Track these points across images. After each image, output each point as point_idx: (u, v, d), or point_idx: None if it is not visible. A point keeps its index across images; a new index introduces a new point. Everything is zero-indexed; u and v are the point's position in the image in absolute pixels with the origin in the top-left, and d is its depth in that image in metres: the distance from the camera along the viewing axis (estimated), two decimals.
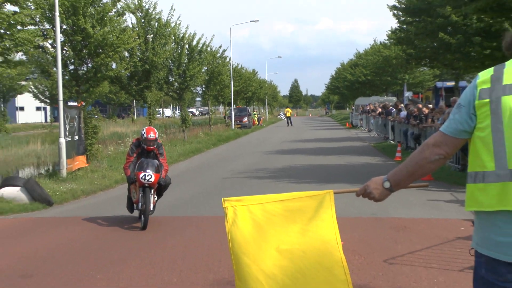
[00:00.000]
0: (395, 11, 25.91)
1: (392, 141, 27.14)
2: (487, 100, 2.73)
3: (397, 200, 11.88)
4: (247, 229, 3.52)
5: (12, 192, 13.19)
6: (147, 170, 9.45)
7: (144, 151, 9.98)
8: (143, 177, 9.36)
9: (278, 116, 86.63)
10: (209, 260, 7.86)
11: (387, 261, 7.51)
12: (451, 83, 34.45)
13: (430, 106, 22.66)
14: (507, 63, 2.84)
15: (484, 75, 2.81)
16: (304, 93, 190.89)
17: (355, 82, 63.16)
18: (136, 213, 10.92)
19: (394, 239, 8.85)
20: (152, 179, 9.51)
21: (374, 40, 57.37)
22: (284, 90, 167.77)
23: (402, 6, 25.13)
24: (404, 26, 26.68)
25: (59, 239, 9.96)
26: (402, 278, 6.78)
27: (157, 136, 10.09)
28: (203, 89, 44.63)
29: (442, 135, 2.98)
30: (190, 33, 34.13)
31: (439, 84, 39.85)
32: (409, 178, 3.18)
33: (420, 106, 22.58)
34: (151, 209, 9.75)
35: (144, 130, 10.04)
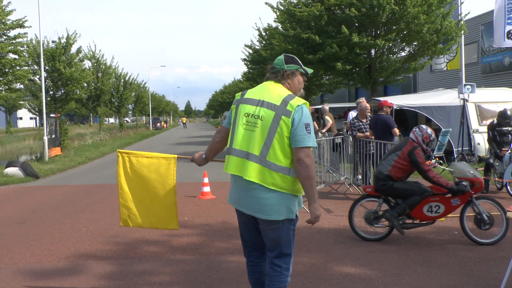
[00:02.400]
0: (245, 62, 30.24)
1: None
2: (235, 105, 3.49)
3: None
4: (127, 171, 4.23)
5: (13, 170, 15.13)
6: None
7: None
8: None
9: (178, 123, 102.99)
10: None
11: None
12: None
13: None
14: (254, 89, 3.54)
15: (240, 92, 3.58)
16: (193, 108, 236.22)
17: (222, 102, 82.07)
18: (92, 180, 13.37)
19: None
20: None
21: (234, 78, 71.23)
22: (181, 106, 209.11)
23: (249, 58, 29.27)
24: (251, 70, 30.62)
25: (43, 198, 10.96)
26: None
27: None
28: (133, 106, 57.23)
29: (222, 126, 3.72)
30: (125, 72, 42.42)
31: None
32: (210, 153, 3.83)
33: None
34: None
35: None
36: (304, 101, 3.38)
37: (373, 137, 9.90)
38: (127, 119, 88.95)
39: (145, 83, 60.07)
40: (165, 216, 4.25)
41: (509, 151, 9.81)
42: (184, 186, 11.45)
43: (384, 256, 5.86)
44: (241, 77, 42.38)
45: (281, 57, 3.57)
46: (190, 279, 5.22)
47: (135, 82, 47.49)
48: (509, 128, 10.03)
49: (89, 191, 11.93)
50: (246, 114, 3.37)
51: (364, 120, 10.38)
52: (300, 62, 3.62)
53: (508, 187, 9.69)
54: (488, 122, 13.93)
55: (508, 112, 10.00)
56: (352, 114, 12.24)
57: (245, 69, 32.16)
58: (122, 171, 4.24)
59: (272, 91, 3.42)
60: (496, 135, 10.06)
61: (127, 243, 6.79)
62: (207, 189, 10.39)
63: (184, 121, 79.65)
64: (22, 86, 25.17)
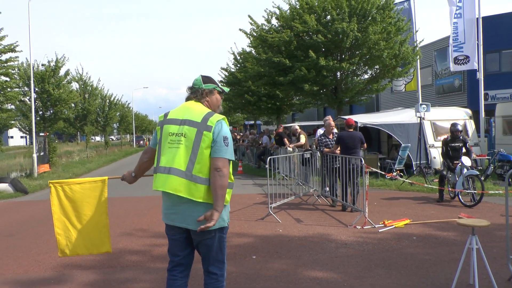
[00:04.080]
0: (222, 83, 28.80)
1: None
2: (159, 127, 3.47)
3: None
4: (61, 200, 4.04)
5: (3, 186, 14.82)
6: None
7: None
8: None
9: None
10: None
11: None
12: (251, 122, 41.00)
13: (241, 133, 27.43)
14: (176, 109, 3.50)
15: (163, 114, 3.53)
16: None
17: None
18: None
19: None
20: None
21: None
22: None
23: (225, 80, 28.96)
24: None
25: (31, 212, 10.89)
26: None
27: None
28: (117, 125, 56.43)
29: (148, 147, 3.68)
30: (110, 93, 42.49)
31: (246, 122, 46.95)
32: (139, 171, 3.78)
33: (235, 134, 27.54)
34: None
35: None
36: (223, 116, 3.41)
37: (338, 151, 9.98)
38: (112, 137, 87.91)
39: (128, 103, 60.36)
40: (98, 239, 4.03)
41: (460, 164, 10.01)
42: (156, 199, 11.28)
43: (349, 260, 5.90)
44: None
45: (199, 77, 3.59)
46: None
47: (120, 103, 47.16)
48: (460, 144, 10.21)
49: None
50: (170, 134, 3.36)
51: (331, 137, 10.47)
52: (217, 82, 3.66)
53: (460, 196, 9.92)
54: (443, 138, 14.24)
55: (458, 126, 10.32)
56: (320, 131, 12.35)
57: None
58: (56, 201, 4.04)
59: (193, 110, 3.42)
60: (449, 150, 10.27)
61: (110, 253, 6.64)
62: None
63: None
64: (13, 106, 24.79)
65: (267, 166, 8.78)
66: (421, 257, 5.97)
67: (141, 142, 64.81)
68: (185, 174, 3.25)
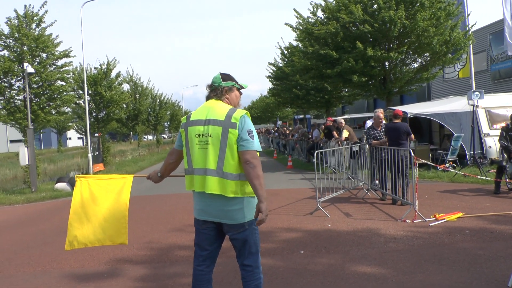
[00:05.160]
0: (270, 78, 29.99)
1: (272, 148, 32.14)
2: (183, 129, 3.51)
3: (274, 179, 14.57)
4: (83, 193, 4.09)
5: (62, 185, 15.84)
6: None
7: None
8: None
9: None
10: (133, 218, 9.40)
11: None
12: (301, 116, 40.56)
13: (290, 128, 27.88)
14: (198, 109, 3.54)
15: (185, 116, 3.58)
16: None
17: (251, 117, 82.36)
18: (132, 192, 14.53)
19: (270, 200, 9.98)
20: None
21: (261, 94, 70.59)
22: None
23: (273, 75, 29.21)
24: (275, 86, 30.26)
25: None
26: (275, 221, 7.99)
27: None
28: (168, 123, 57.89)
29: (173, 148, 3.75)
30: (160, 93, 42.80)
31: (296, 117, 46.31)
32: (165, 172, 3.86)
33: (285, 129, 27.61)
34: None
35: None
36: (245, 111, 3.43)
37: (387, 143, 9.77)
38: (164, 135, 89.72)
39: (178, 102, 60.94)
40: (115, 230, 4.04)
41: None
42: None
43: (398, 255, 5.76)
44: (267, 93, 42.56)
45: (218, 75, 3.61)
46: (217, 280, 5.18)
47: (170, 102, 48.02)
48: None
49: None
50: (197, 135, 3.41)
51: (379, 128, 10.25)
52: (235, 79, 3.68)
53: None
54: (500, 125, 13.59)
55: None
56: (368, 123, 12.11)
57: (270, 85, 32.21)
58: (79, 194, 4.10)
59: (215, 109, 3.46)
60: (508, 138, 9.68)
61: (161, 248, 6.85)
62: None
63: None
64: (69, 109, 25.93)
65: (314, 160, 8.69)
66: (474, 252, 5.74)
67: None
68: (216, 172, 3.33)
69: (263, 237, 7.00)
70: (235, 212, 3.38)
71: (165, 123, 57.70)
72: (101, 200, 4.06)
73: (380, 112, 10.39)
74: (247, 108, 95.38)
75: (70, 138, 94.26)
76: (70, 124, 58.41)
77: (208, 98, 3.62)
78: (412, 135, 9.65)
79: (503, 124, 11.16)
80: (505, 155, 9.94)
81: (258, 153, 3.37)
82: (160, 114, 43.12)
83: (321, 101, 27.21)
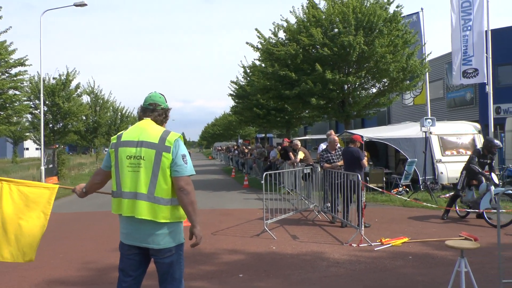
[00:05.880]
0: (232, 97, 29.95)
1: (231, 166, 31.95)
2: (113, 149, 3.38)
3: (228, 198, 14.55)
4: (5, 197, 3.73)
5: None
6: None
7: None
8: None
9: None
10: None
11: (213, 233, 8.64)
12: (262, 135, 40.89)
13: (249, 147, 27.74)
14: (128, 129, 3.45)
15: (116, 136, 3.45)
16: (188, 139, 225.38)
17: (213, 134, 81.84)
18: (83, 208, 12.92)
19: (220, 220, 10.13)
20: None
21: (224, 111, 71.06)
22: None
23: (235, 93, 29.16)
24: (237, 104, 30.30)
25: None
26: (220, 242, 7.84)
27: None
28: None
29: (99, 169, 3.61)
30: (122, 106, 41.95)
31: (258, 135, 46.51)
32: (90, 189, 3.69)
33: (244, 147, 27.38)
34: None
35: None
36: (179, 134, 3.37)
37: (339, 167, 9.84)
38: None
39: None
40: (28, 247, 3.73)
41: (486, 181, 9.30)
42: None
43: (338, 280, 5.71)
44: (229, 110, 42.75)
45: (156, 94, 3.56)
46: None
47: (132, 115, 47.24)
48: (489, 161, 9.56)
49: (77, 218, 11.62)
50: (128, 157, 3.30)
51: (333, 152, 10.30)
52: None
53: (485, 215, 9.15)
54: (451, 151, 13.96)
55: (495, 141, 9.58)
56: (322, 146, 12.19)
57: (232, 103, 32.29)
58: None
59: (148, 130, 3.37)
60: (479, 165, 9.51)
61: (99, 269, 6.57)
62: None
63: None
64: (25, 119, 25.19)
65: (262, 182, 8.61)
66: (414, 278, 5.75)
67: None
68: (147, 197, 3.24)
69: (205, 259, 6.86)
70: (163, 236, 3.31)
71: None
72: (21, 210, 3.76)
73: (334, 135, 10.47)
74: (210, 125, 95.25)
75: (27, 149, 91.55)
76: (27, 134, 56.72)
77: (140, 118, 3.52)
78: (364, 161, 9.68)
79: (462, 150, 11.26)
80: (464, 183, 9.72)
81: (190, 177, 3.33)
82: (121, 127, 42.36)
83: (282, 121, 27.49)
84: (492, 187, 9.04)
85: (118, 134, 3.49)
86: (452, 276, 4.56)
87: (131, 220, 3.32)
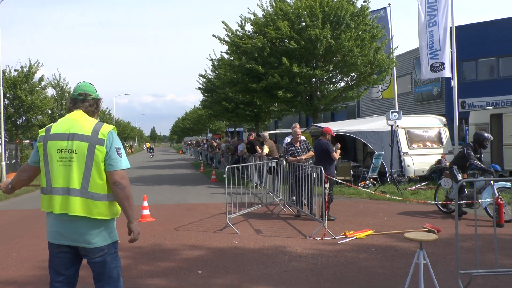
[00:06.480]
0: (200, 90, 29.86)
1: (201, 160, 32.04)
2: (41, 143, 3.16)
3: (194, 193, 14.30)
4: None
5: None
6: None
7: None
8: None
9: (144, 148, 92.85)
10: None
11: (176, 229, 8.52)
12: (231, 128, 40.75)
13: (218, 141, 27.25)
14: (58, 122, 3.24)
15: (44, 128, 3.24)
16: (159, 134, 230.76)
17: (184, 128, 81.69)
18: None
19: (184, 215, 10.06)
20: None
21: (194, 106, 71.96)
22: (147, 132, 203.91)
23: (204, 87, 29.12)
24: (206, 98, 30.41)
25: None
26: (182, 238, 7.72)
27: None
28: None
29: (26, 164, 3.38)
30: None
31: (228, 129, 46.04)
32: (17, 185, 3.45)
33: (212, 141, 27.35)
34: None
35: None
36: (112, 126, 3.24)
37: (303, 159, 9.75)
38: None
39: (109, 110, 58.93)
40: None
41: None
42: None
43: (298, 275, 5.60)
44: (199, 104, 42.45)
45: (85, 83, 3.38)
46: None
47: (100, 110, 46.74)
48: (479, 155, 9.01)
49: (37, 215, 11.14)
50: (58, 151, 3.10)
51: (297, 144, 10.20)
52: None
53: (488, 209, 8.63)
54: (417, 145, 14.10)
55: (485, 134, 9.01)
56: (287, 139, 12.09)
57: (201, 96, 31.96)
58: None
59: (79, 122, 3.19)
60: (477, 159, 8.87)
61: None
62: (146, 212, 9.98)
63: (148, 146, 70.07)
64: None
65: (225, 175, 8.44)
66: (375, 271, 5.70)
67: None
68: (80, 192, 3.06)
69: (165, 255, 6.67)
70: (95, 235, 3.12)
71: None
72: None
73: (297, 127, 10.35)
74: (180, 119, 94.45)
75: None
76: None
77: (70, 109, 3.32)
78: (334, 153, 9.55)
79: (428, 144, 11.04)
80: (459, 175, 9.02)
81: (125, 170, 3.19)
82: None
83: (251, 115, 27.32)
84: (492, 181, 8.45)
85: (46, 126, 3.27)
86: (411, 269, 4.50)
87: (62, 218, 3.12)
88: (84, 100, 3.31)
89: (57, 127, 3.19)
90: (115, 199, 3.14)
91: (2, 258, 6.96)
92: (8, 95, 23.65)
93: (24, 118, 25.00)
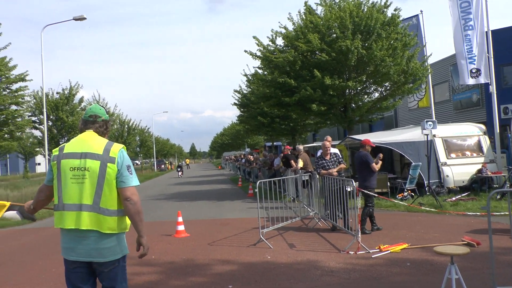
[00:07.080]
0: (236, 106, 30.05)
1: (239, 175, 31.59)
2: (55, 161, 3.30)
3: (230, 208, 14.42)
4: None
5: (10, 214, 14.77)
6: None
7: None
8: None
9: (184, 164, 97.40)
10: None
11: (209, 244, 8.64)
12: (269, 143, 40.30)
13: (255, 155, 27.32)
14: (71, 141, 3.41)
15: (57, 148, 3.39)
16: (198, 150, 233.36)
17: (222, 144, 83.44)
18: None
19: (218, 230, 10.15)
20: None
21: (232, 121, 71.60)
22: (187, 149, 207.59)
23: (239, 102, 29.35)
24: (242, 113, 30.61)
25: (28, 240, 10.78)
26: (215, 253, 7.79)
27: None
28: (139, 149, 56.64)
29: (43, 185, 3.50)
30: (128, 118, 42.94)
31: (267, 144, 45.18)
32: (37, 206, 3.58)
33: (249, 156, 27.46)
34: None
35: None
36: (122, 145, 3.40)
37: (335, 173, 9.67)
38: (137, 161, 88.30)
39: (148, 128, 60.20)
40: None
41: None
42: (161, 224, 11.17)
43: None
44: (236, 120, 42.85)
45: (97, 106, 3.58)
46: None
47: (139, 128, 47.53)
48: None
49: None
50: (71, 168, 3.25)
51: (327, 158, 10.13)
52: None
53: None
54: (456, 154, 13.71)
55: None
56: (319, 153, 12.03)
57: (238, 112, 32.29)
58: None
59: (91, 142, 3.36)
60: None
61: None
62: (181, 227, 10.10)
63: (187, 162, 77.28)
64: (29, 134, 25.36)
65: (256, 190, 8.47)
66: (408, 286, 5.57)
67: (162, 166, 64.89)
68: (92, 207, 3.20)
69: (196, 270, 6.75)
70: (108, 249, 3.26)
71: (138, 148, 56.59)
72: None
73: (326, 141, 10.30)
74: (219, 135, 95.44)
75: (39, 164, 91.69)
76: (37, 149, 57.19)
77: (82, 130, 3.50)
78: (374, 164, 9.41)
79: (468, 153, 10.46)
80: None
81: (135, 187, 3.36)
82: (128, 140, 42.76)
83: (287, 128, 27.35)
84: None
85: (60, 146, 3.43)
86: (443, 284, 4.38)
87: (74, 233, 3.24)
88: (95, 122, 3.49)
89: (70, 146, 3.35)
90: (127, 214, 3.29)
91: (40, 273, 7.19)
92: (51, 117, 24.62)
93: (66, 138, 26.03)
